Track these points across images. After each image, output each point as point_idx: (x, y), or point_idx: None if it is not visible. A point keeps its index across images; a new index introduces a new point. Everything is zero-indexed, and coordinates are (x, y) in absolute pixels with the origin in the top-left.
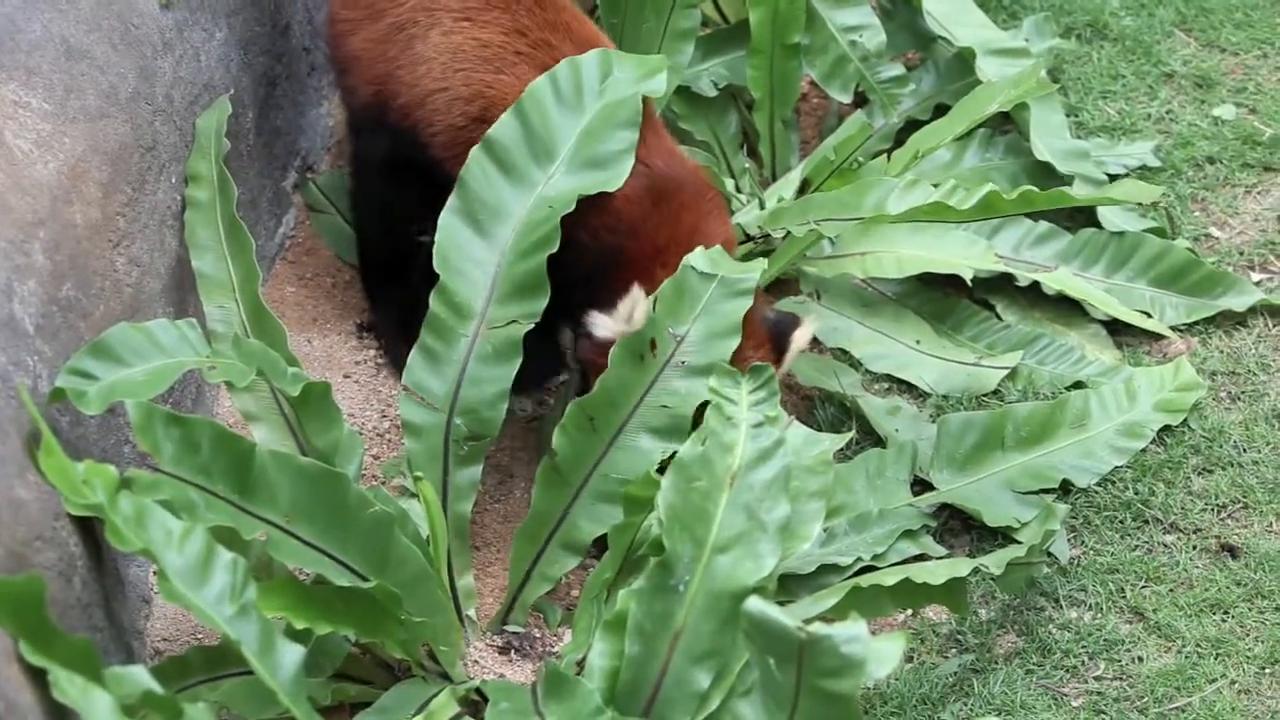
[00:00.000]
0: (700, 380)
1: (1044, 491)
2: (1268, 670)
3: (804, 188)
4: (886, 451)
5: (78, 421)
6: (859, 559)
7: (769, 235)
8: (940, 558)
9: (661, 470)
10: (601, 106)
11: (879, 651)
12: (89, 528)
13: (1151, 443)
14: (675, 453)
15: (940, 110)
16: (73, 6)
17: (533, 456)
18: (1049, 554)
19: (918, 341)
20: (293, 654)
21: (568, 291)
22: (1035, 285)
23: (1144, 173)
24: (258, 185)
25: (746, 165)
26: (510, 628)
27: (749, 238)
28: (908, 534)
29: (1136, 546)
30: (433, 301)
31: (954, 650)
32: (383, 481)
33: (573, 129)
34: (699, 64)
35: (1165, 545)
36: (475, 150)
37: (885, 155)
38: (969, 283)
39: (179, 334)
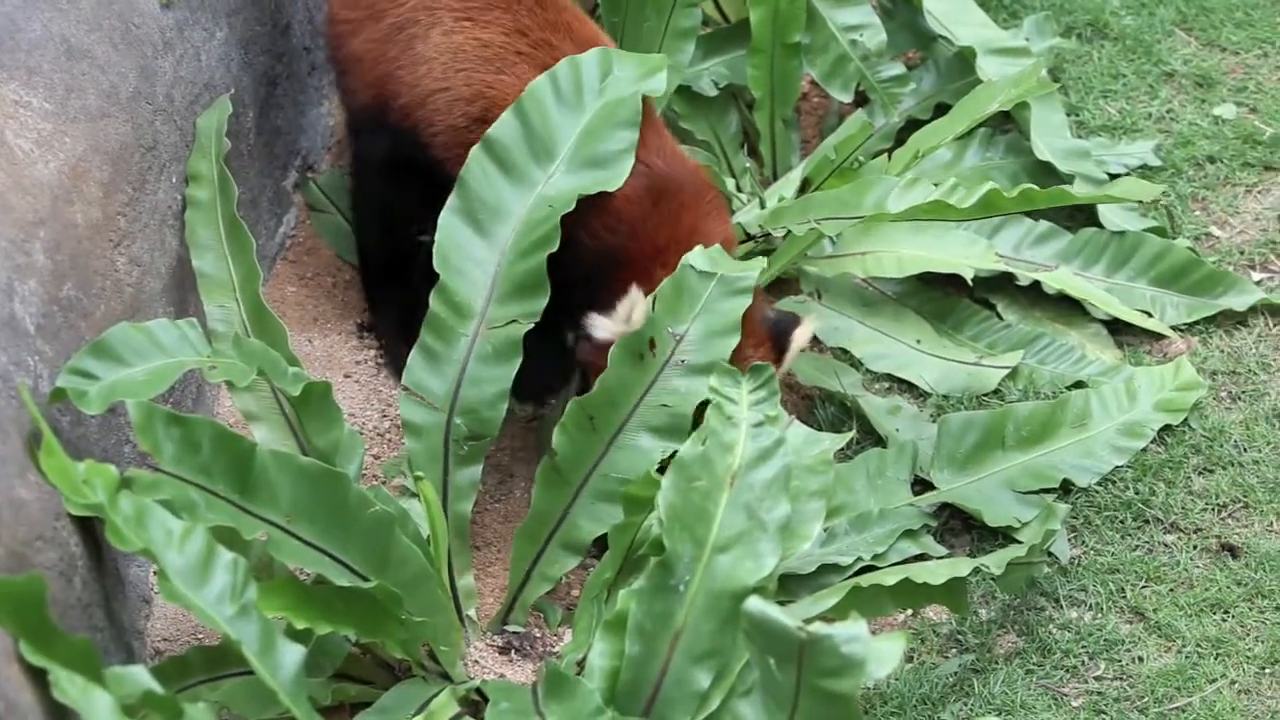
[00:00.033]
0: (700, 379)
1: (1044, 491)
2: (1268, 670)
3: (804, 187)
4: (887, 451)
5: (78, 421)
6: (859, 559)
7: (769, 234)
8: (940, 557)
9: (662, 470)
10: (601, 105)
11: (879, 651)
12: (89, 528)
13: (1152, 442)
14: (675, 452)
15: (941, 109)
16: (73, 6)
17: (533, 456)
18: (1049, 554)
19: (918, 341)
20: (293, 654)
21: (568, 291)
22: (1036, 285)
23: (1145, 172)
24: (258, 185)
25: (747, 164)
26: (510, 628)
27: (749, 237)
28: (908, 534)
29: (1137, 546)
30: (433, 301)
31: (954, 650)
32: (383, 481)
33: (573, 128)
34: (700, 63)
35: (1166, 545)
36: (475, 149)
37: (886, 154)
38: (970, 282)
39: (179, 334)
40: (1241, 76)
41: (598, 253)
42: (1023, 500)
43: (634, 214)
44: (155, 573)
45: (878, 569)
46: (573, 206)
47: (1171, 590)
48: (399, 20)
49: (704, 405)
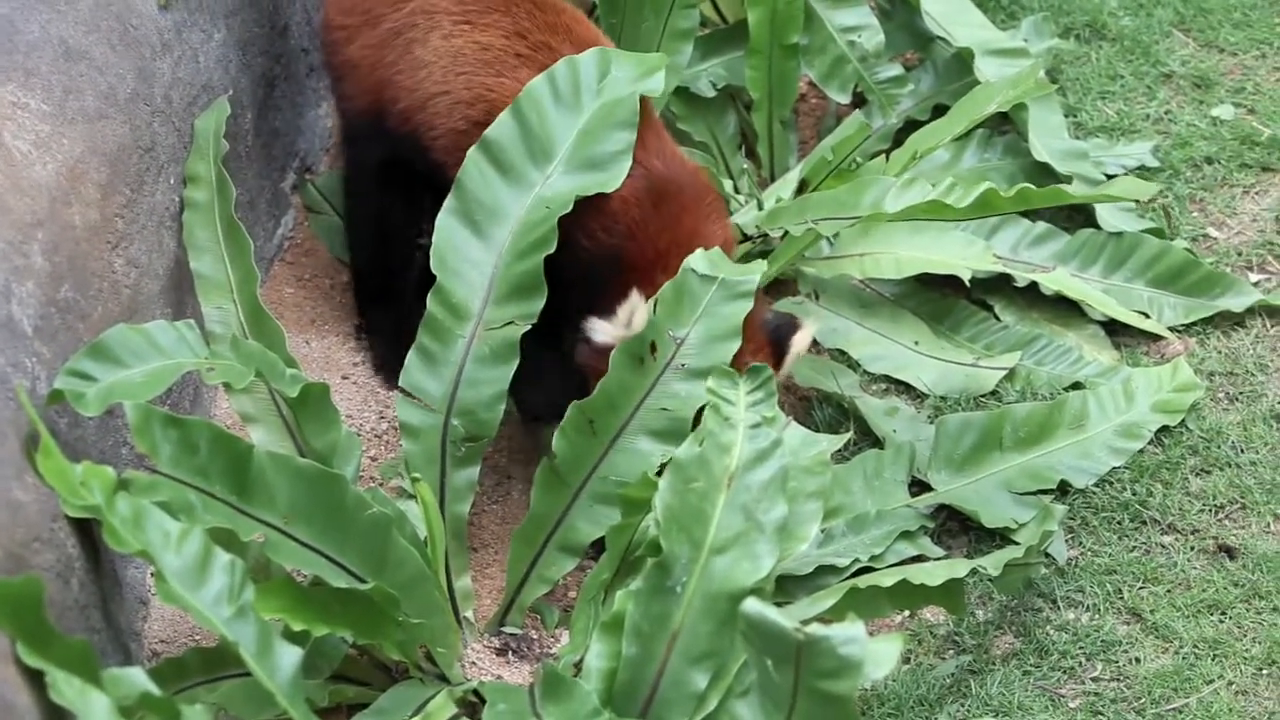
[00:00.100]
0: (700, 383)
1: (1042, 492)
2: (1265, 671)
3: (802, 188)
4: (884, 452)
5: (76, 423)
6: (856, 560)
7: (767, 235)
8: (938, 559)
9: (660, 473)
10: (599, 106)
11: (876, 652)
12: (87, 529)
13: (1149, 443)
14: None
15: (939, 111)
16: (71, 7)
17: (530, 458)
18: (1046, 555)
19: (916, 342)
20: (290, 655)
21: (566, 294)
22: (1033, 286)
23: (1142, 173)
24: (256, 186)
25: (745, 166)
26: (508, 629)
27: (747, 237)
28: (905, 535)
29: (1134, 547)
30: (430, 302)
31: (951, 651)
32: (381, 483)
33: (570, 129)
34: (697, 64)
35: (1163, 546)
36: (472, 151)
37: (884, 155)
38: (967, 283)
39: (177, 335)
40: (1239, 77)
41: (596, 255)
42: (1020, 501)
43: (633, 216)
44: (152, 574)
45: (875, 570)
46: (570, 208)
47: (1169, 591)
48: (397, 25)
49: (703, 409)
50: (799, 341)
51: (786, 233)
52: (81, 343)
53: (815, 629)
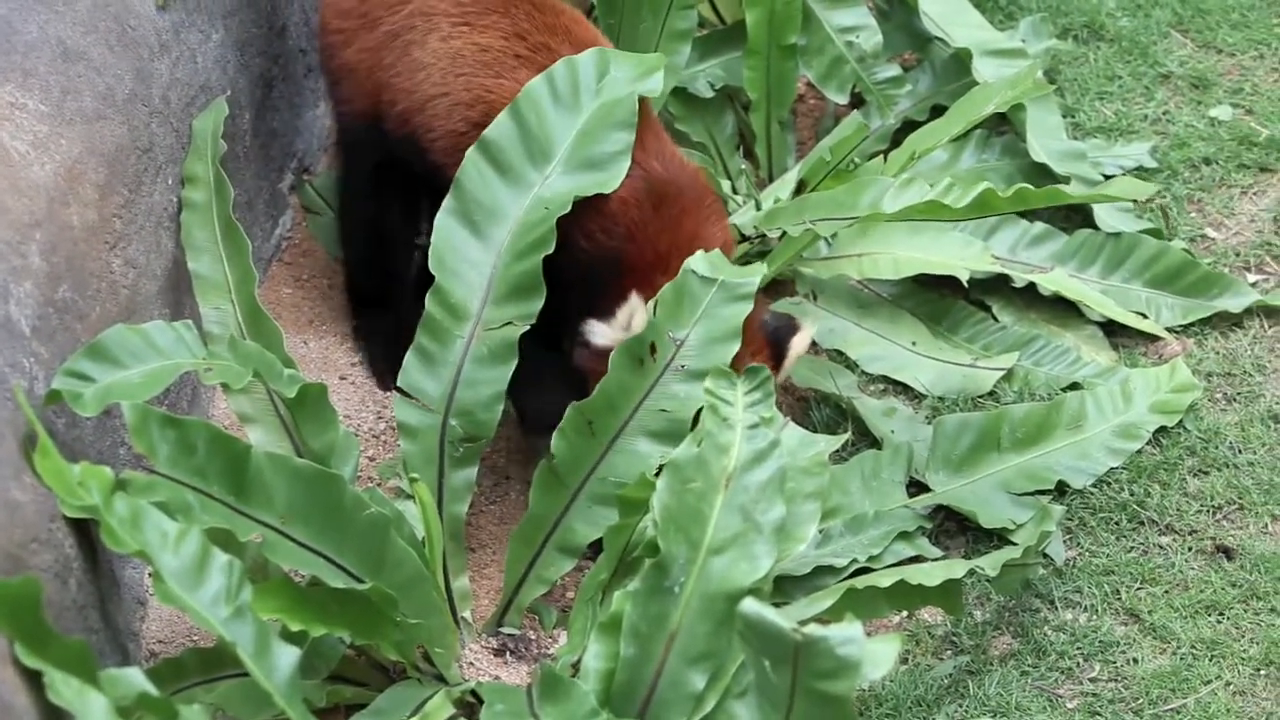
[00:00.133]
0: (699, 385)
1: (1040, 493)
2: (1263, 672)
3: (800, 188)
4: (882, 453)
5: (74, 423)
6: (854, 560)
7: (765, 236)
8: (936, 559)
9: (659, 474)
10: (598, 106)
11: (874, 653)
12: (85, 530)
13: (1147, 444)
14: None
15: (937, 111)
16: (69, 8)
17: (528, 458)
18: (1044, 555)
19: (914, 343)
20: (288, 656)
21: (564, 295)
22: (1031, 286)
23: (1140, 173)
24: (254, 187)
25: (743, 166)
26: (505, 630)
27: (745, 238)
28: (903, 535)
29: (1132, 548)
30: (428, 303)
31: (949, 652)
32: (378, 483)
33: (569, 129)
34: (695, 65)
35: (1161, 547)
36: (471, 151)
37: (882, 156)
38: (965, 284)
39: (175, 336)
40: (1237, 78)
41: (596, 257)
42: (1018, 502)
43: (632, 218)
44: (150, 575)
45: (873, 571)
46: (569, 208)
47: (1166, 592)
48: (394, 27)
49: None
50: (798, 343)
51: (784, 233)
52: (79, 343)
53: (813, 629)
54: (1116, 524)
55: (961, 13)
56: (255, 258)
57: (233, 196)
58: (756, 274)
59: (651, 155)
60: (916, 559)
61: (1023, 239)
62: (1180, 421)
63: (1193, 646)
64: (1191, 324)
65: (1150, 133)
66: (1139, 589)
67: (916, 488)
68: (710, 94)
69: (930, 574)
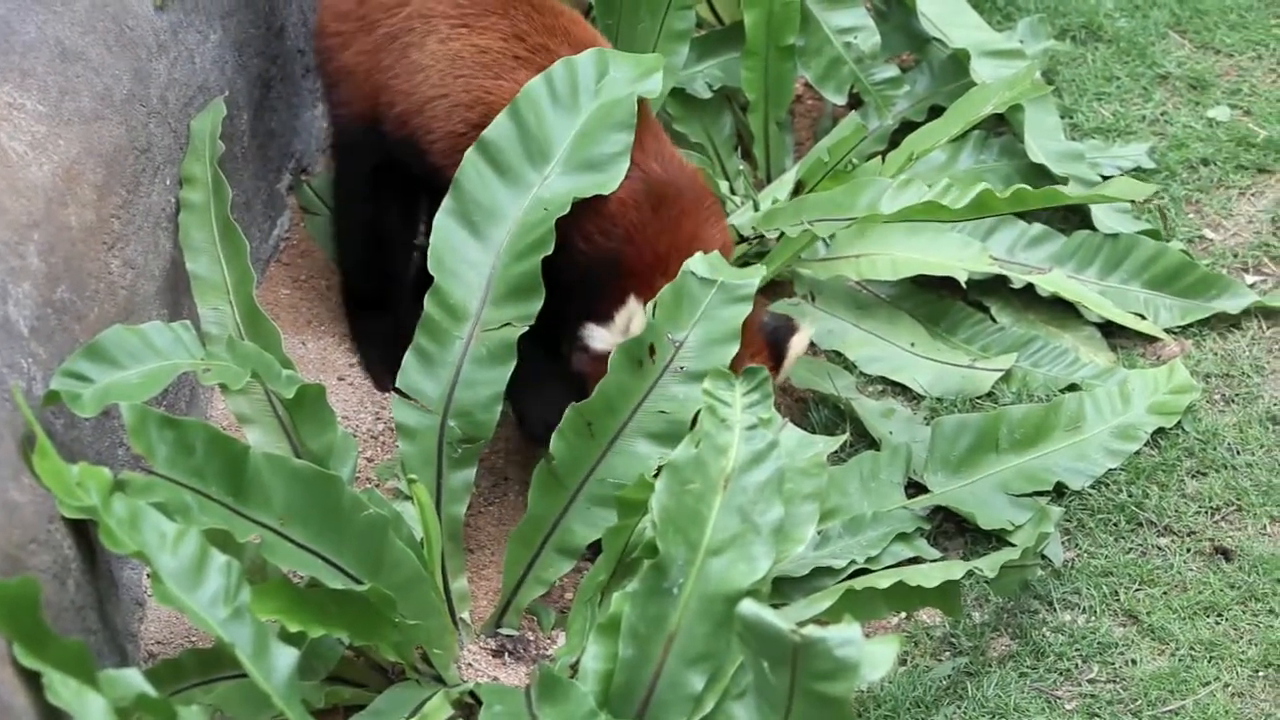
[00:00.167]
0: (698, 386)
1: (1038, 494)
2: (1261, 673)
3: (798, 189)
4: (880, 454)
5: (72, 424)
6: (853, 562)
7: (763, 236)
8: (934, 560)
9: (657, 475)
10: (597, 107)
11: (873, 654)
12: (83, 530)
13: (1145, 445)
14: None
15: (935, 112)
16: (67, 8)
17: (527, 459)
18: (1043, 557)
19: (912, 344)
20: (286, 657)
21: (564, 298)
22: (1029, 287)
23: (1138, 174)
24: (252, 187)
25: (741, 167)
26: (504, 631)
27: (743, 239)
28: (902, 537)
29: (1130, 549)
30: (427, 303)
31: (948, 653)
32: (377, 484)
33: (568, 130)
34: (694, 65)
35: (1159, 548)
36: (470, 151)
37: (880, 157)
38: (963, 285)
39: (173, 336)
40: (1235, 79)
41: (594, 259)
42: (1016, 503)
43: (631, 220)
44: (149, 575)
45: (871, 572)
46: (568, 209)
47: (1165, 593)
48: (393, 30)
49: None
50: (797, 343)
51: (783, 234)
52: (78, 344)
53: (812, 631)
54: (1115, 525)
55: (959, 13)
56: (253, 258)
57: (231, 197)
58: (756, 275)
59: (650, 156)
60: (915, 560)
61: (1021, 240)
62: (1178, 423)
63: (1191, 648)
64: (1190, 325)
65: (1148, 133)
66: (1137, 590)
67: (915, 489)
68: (708, 95)
69: (929, 575)
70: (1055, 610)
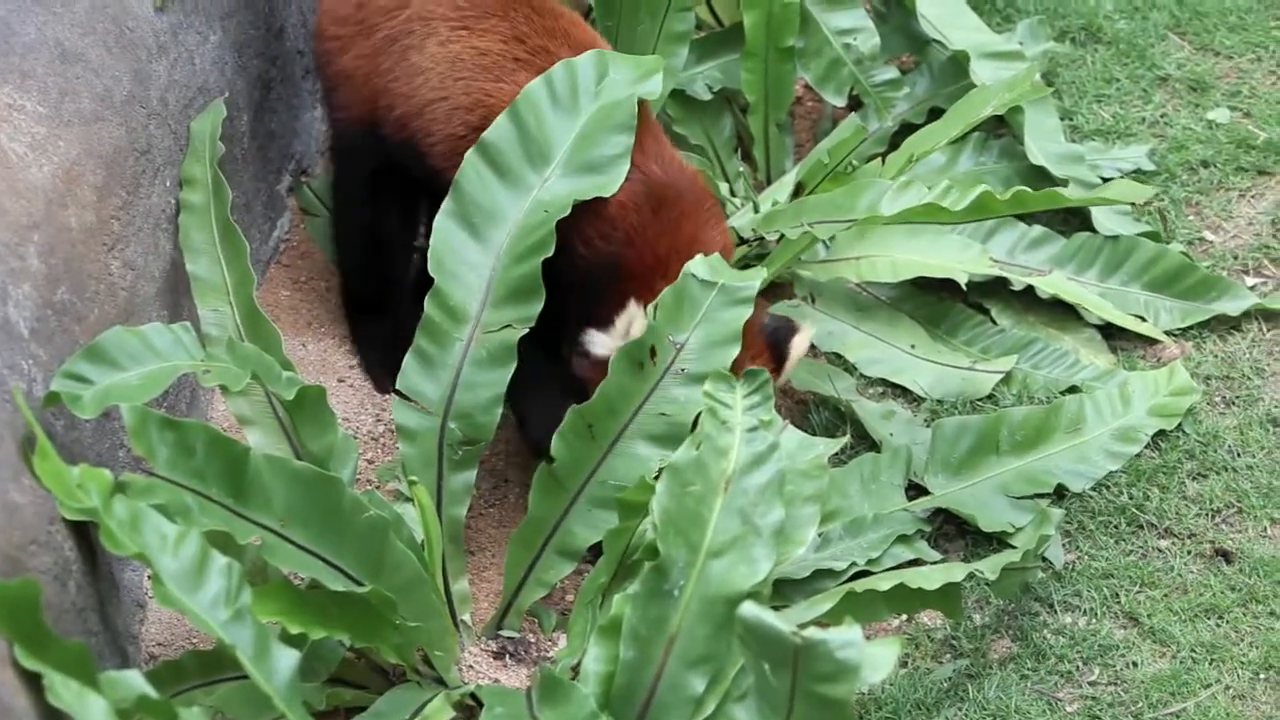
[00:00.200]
0: (699, 388)
1: (1039, 496)
2: (1262, 675)
3: (798, 191)
4: (881, 456)
5: (72, 425)
6: (854, 564)
7: (763, 238)
8: (935, 563)
9: (658, 477)
10: (597, 109)
11: (874, 657)
12: (84, 532)
13: (1146, 447)
14: None
15: (935, 114)
16: (67, 10)
17: (527, 461)
18: (1043, 559)
19: (912, 346)
20: (288, 659)
21: (564, 300)
22: (1030, 289)
23: (1138, 176)
24: (252, 189)
25: (741, 169)
26: (505, 632)
27: (743, 240)
28: (902, 539)
29: (1131, 551)
30: (427, 305)
31: (949, 655)
32: (377, 486)
33: (568, 132)
34: (693, 67)
35: (1160, 550)
36: (470, 153)
37: (880, 159)
38: (964, 287)
39: (174, 338)
40: (1235, 81)
41: (594, 263)
42: (1017, 505)
43: (631, 223)
44: (150, 577)
45: (872, 574)
46: (568, 211)
47: (1166, 595)
48: (392, 32)
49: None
50: (798, 345)
51: (782, 236)
52: (78, 345)
53: (812, 633)
54: (1115, 527)
55: (959, 15)
56: (253, 260)
57: (230, 198)
58: (756, 278)
59: (650, 159)
60: (916, 562)
61: (1021, 242)
62: (1179, 425)
63: (1192, 650)
64: (1190, 327)
65: (1148, 135)
66: (1138, 592)
67: (915, 491)
68: (708, 96)
69: (929, 577)
70: (1056, 612)
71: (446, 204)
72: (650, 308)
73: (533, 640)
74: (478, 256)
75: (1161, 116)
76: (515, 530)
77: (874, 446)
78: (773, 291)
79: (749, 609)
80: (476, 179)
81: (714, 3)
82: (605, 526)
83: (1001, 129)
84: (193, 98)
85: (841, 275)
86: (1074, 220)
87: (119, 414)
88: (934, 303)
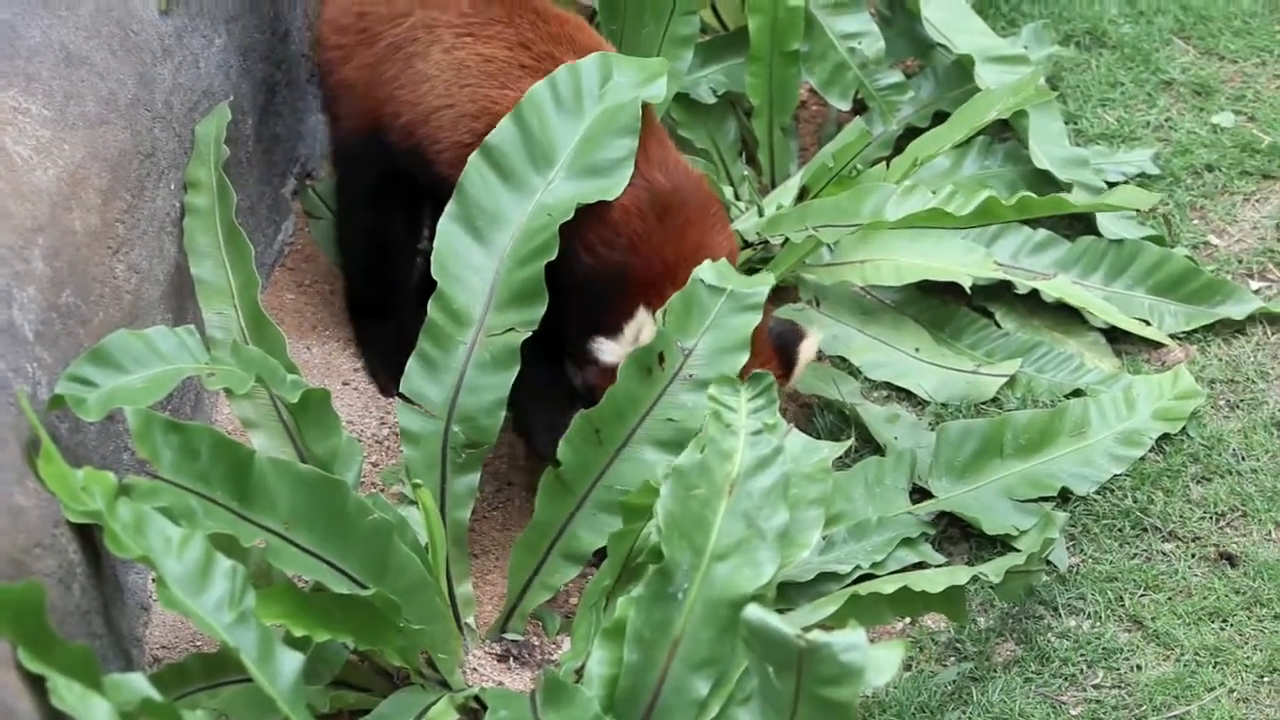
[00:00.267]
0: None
1: (1043, 499)
2: (1266, 679)
3: (803, 195)
4: (885, 459)
5: (77, 428)
6: (858, 567)
7: (767, 242)
8: (939, 566)
9: None
10: (601, 112)
11: (878, 659)
12: (88, 535)
13: (1150, 451)
14: None
15: (939, 118)
16: (72, 13)
17: (531, 464)
18: (1048, 562)
19: (917, 349)
20: (292, 661)
21: (566, 304)
22: (1034, 293)
23: (1143, 180)
24: (257, 192)
25: (745, 172)
26: (509, 635)
27: (747, 244)
28: (906, 542)
29: (1135, 555)
30: (431, 308)
31: (953, 658)
32: (382, 489)
33: (572, 135)
34: (698, 71)
35: (1164, 553)
36: (474, 157)
37: (884, 162)
38: (968, 290)
39: (178, 341)
40: (1240, 85)
41: (599, 271)
42: (1021, 508)
43: (635, 229)
44: (154, 580)
45: (876, 577)
46: (571, 215)
47: (1170, 599)
48: (396, 40)
49: None
50: (807, 350)
51: (787, 240)
52: (82, 348)
53: (817, 636)
54: (1120, 531)
55: (964, 19)
56: (258, 263)
57: (235, 202)
58: (766, 284)
59: (655, 164)
60: (920, 565)
61: (1025, 245)
62: (1183, 428)
63: (1196, 653)
64: (1194, 331)
65: (1153, 139)
66: (1142, 596)
67: (919, 494)
68: (712, 100)
69: (933, 580)
70: (1060, 615)
71: (450, 207)
72: (659, 313)
73: (537, 643)
74: (481, 259)
75: (1166, 121)
76: (520, 534)
77: (878, 450)
78: (777, 295)
79: (753, 612)
80: (480, 182)
81: (719, 6)
82: (611, 531)
83: (1006, 133)
84: (197, 101)
85: (846, 279)
86: (1078, 224)
87: (123, 417)
88: (938, 306)
